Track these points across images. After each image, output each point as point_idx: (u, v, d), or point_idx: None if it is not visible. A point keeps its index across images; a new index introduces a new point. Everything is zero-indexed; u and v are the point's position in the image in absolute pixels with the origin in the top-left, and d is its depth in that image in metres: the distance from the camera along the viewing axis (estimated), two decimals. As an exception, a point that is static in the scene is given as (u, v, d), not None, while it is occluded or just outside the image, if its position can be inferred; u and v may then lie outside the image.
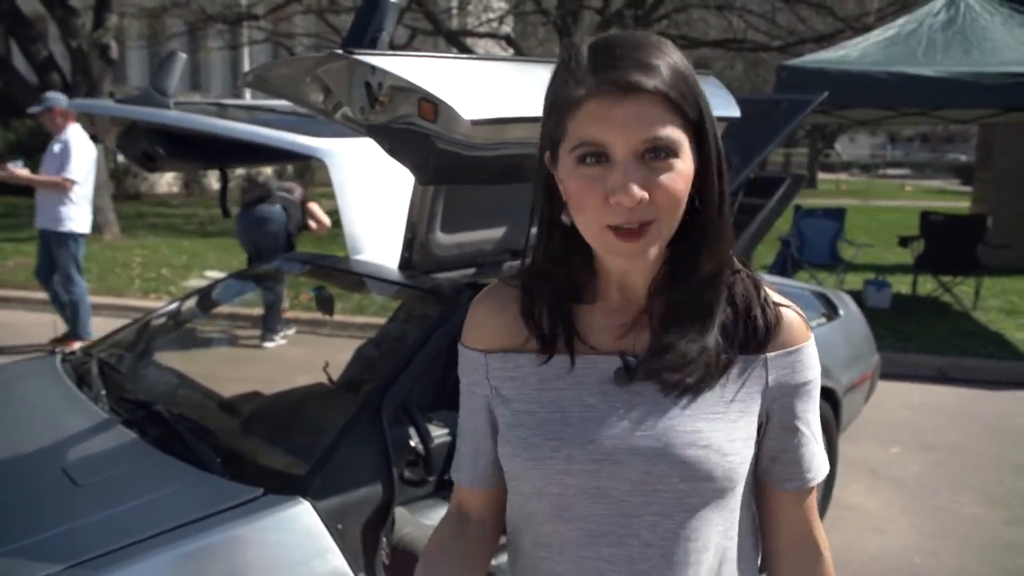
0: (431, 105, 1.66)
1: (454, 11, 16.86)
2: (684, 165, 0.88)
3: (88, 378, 2.59)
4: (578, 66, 0.88)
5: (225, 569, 1.72)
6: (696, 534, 0.94)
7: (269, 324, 6.06)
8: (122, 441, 2.15)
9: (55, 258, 5.77)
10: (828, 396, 3.45)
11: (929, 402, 5.35)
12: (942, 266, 8.00)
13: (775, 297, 0.99)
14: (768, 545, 1.05)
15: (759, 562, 1.07)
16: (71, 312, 5.89)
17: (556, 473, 0.94)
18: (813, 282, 7.12)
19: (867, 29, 10.30)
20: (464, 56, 1.98)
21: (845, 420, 3.69)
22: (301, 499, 1.86)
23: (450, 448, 2.70)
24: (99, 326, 5.57)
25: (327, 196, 6.07)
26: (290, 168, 18.80)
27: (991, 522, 3.72)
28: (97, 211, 11.10)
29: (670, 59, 0.87)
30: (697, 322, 0.94)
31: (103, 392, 2.47)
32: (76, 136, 5.73)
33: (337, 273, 3.13)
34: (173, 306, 3.29)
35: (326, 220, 5.85)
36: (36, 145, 12.05)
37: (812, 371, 0.99)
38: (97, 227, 11.12)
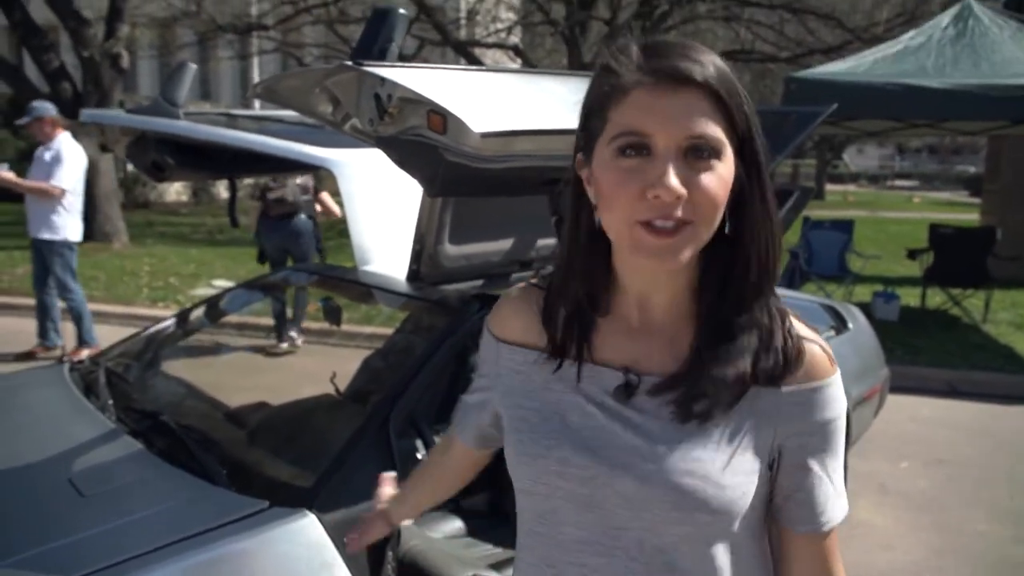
0: (440, 117, 1.66)
1: (462, 22, 16.89)
2: (726, 170, 0.86)
3: (95, 387, 2.59)
4: (628, 60, 0.87)
5: (230, 582, 1.71)
6: (684, 559, 0.92)
7: (285, 327, 6.20)
8: (128, 452, 2.14)
9: (49, 267, 5.76)
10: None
11: (939, 416, 5.31)
12: (951, 278, 7.95)
13: (801, 329, 0.94)
14: None
15: None
16: (75, 320, 5.90)
17: (546, 473, 0.95)
18: (821, 294, 7.10)
19: (875, 40, 10.31)
20: (473, 68, 1.98)
21: (854, 434, 3.67)
22: (307, 512, 1.85)
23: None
24: (107, 335, 5.58)
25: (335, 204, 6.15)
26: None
27: (1001, 540, 3.68)
28: (106, 220, 11.27)
29: (718, 62, 0.86)
30: (716, 352, 0.91)
31: (110, 402, 2.47)
32: (67, 144, 5.73)
33: (345, 284, 3.13)
34: (180, 316, 3.29)
35: (336, 210, 6.14)
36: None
37: (831, 410, 0.94)
38: (106, 236, 11.22)
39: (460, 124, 1.61)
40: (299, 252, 6.02)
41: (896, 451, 4.67)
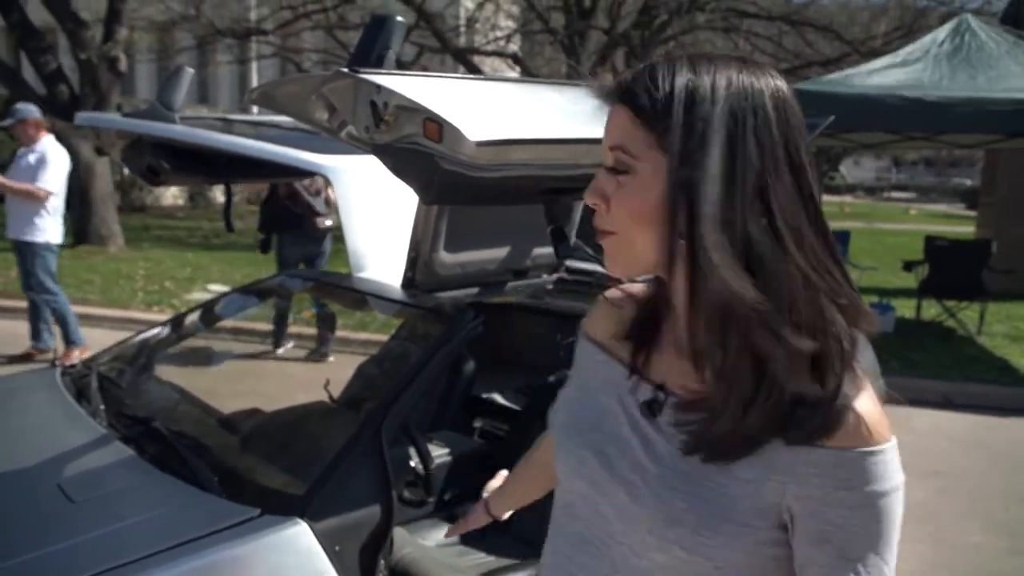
0: (436, 125, 1.65)
1: (462, 29, 16.93)
2: (638, 185, 0.85)
3: (87, 392, 2.57)
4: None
5: (220, 590, 1.69)
6: None
7: (281, 332, 6.24)
8: (119, 458, 2.13)
9: (29, 269, 5.73)
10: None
11: (933, 428, 5.31)
12: (947, 291, 7.97)
13: (860, 387, 0.84)
14: None
15: None
16: (60, 322, 5.88)
17: (570, 469, 0.98)
18: (817, 305, 7.08)
19: (873, 53, 10.35)
20: (470, 76, 1.98)
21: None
22: (299, 520, 1.83)
23: (449, 469, 2.68)
24: (101, 338, 5.55)
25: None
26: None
27: (996, 551, 3.68)
28: (102, 223, 11.24)
29: (687, 81, 0.84)
30: (723, 386, 0.84)
31: (102, 407, 2.45)
32: (51, 147, 5.71)
33: (340, 290, 3.12)
34: (174, 320, 3.27)
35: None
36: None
37: (869, 484, 0.81)
38: (102, 239, 11.20)
39: (456, 132, 1.60)
40: (319, 263, 5.99)
41: (890, 463, 4.66)
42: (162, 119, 2.70)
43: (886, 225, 21.75)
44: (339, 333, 6.48)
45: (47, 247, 5.72)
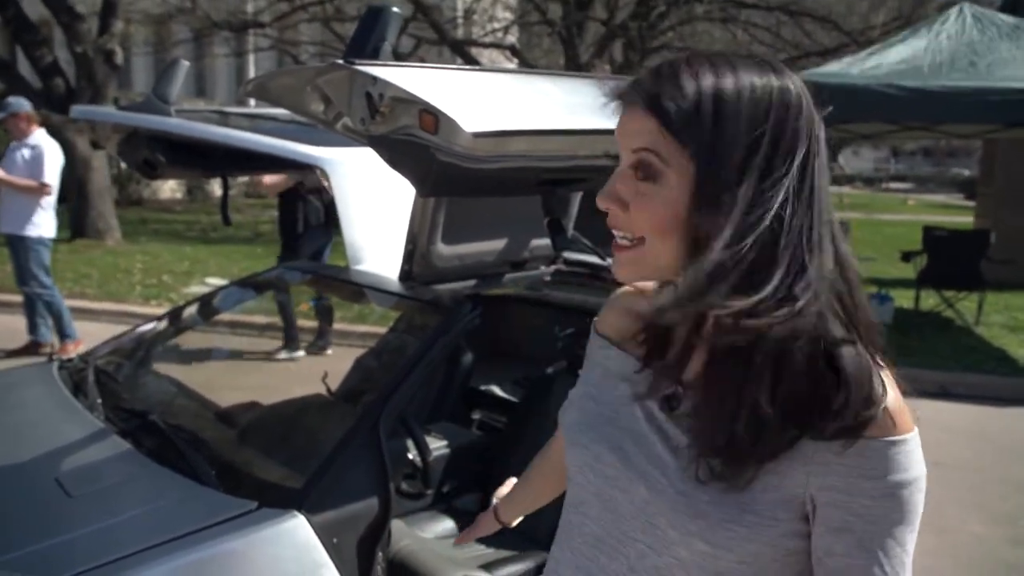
0: (432, 117, 1.65)
1: (459, 21, 16.88)
2: (664, 191, 0.84)
3: (84, 386, 2.56)
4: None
5: (218, 584, 1.69)
6: None
7: (291, 335, 6.11)
8: (116, 451, 2.13)
9: (22, 263, 5.73)
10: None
11: (931, 418, 5.26)
12: (945, 281, 7.97)
13: (885, 378, 0.84)
14: None
15: None
16: (52, 316, 5.88)
17: (584, 465, 0.96)
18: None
19: (872, 43, 10.31)
20: (466, 67, 1.97)
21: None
22: (296, 513, 1.83)
23: (447, 461, 2.68)
24: (99, 332, 5.54)
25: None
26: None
27: (995, 541, 3.68)
28: (99, 217, 11.22)
29: (697, 85, 0.83)
30: (728, 392, 0.84)
31: (99, 401, 2.45)
32: (45, 141, 5.70)
33: (337, 283, 3.11)
34: (172, 314, 3.27)
35: None
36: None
37: (891, 473, 0.81)
38: (99, 233, 11.18)
39: (452, 124, 1.60)
40: (326, 255, 5.93)
41: (889, 453, 4.67)
42: (158, 112, 2.69)
43: (884, 216, 21.75)
44: (337, 326, 6.47)
45: (40, 241, 5.71)
